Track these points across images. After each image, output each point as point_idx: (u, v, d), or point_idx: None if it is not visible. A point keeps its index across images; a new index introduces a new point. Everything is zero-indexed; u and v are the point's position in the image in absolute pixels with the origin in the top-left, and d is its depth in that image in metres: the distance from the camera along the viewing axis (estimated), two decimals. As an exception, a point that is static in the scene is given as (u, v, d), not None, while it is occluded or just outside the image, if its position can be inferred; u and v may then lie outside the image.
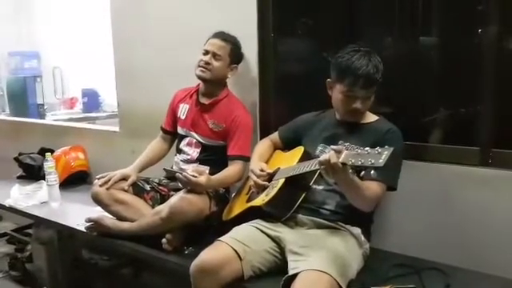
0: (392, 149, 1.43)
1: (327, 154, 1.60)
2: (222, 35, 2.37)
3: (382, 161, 1.40)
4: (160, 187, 2.48)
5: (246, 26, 2.50)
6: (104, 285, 2.78)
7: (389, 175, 1.82)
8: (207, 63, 2.33)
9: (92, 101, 5.09)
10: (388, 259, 1.98)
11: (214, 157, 2.40)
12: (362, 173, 1.49)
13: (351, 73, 1.86)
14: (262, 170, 2.08)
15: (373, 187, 1.81)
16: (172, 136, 2.61)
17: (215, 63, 2.33)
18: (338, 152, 1.56)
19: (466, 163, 2.03)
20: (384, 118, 2.02)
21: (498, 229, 1.93)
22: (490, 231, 1.95)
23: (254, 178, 2.08)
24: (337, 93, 1.94)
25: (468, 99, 2.16)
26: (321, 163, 1.61)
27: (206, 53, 2.35)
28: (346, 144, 1.55)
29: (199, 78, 2.37)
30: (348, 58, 1.88)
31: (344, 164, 1.53)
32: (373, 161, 1.42)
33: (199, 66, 2.34)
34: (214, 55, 2.33)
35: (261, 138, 2.44)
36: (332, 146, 1.61)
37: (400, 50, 2.39)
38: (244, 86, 2.57)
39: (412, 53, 2.37)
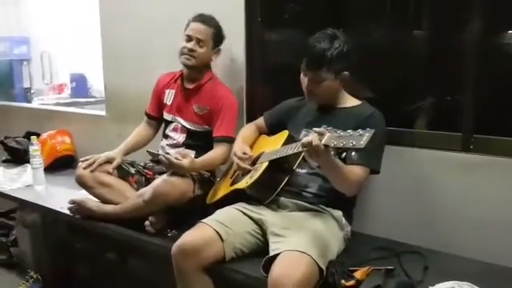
0: (373, 131, 1.43)
1: (310, 136, 1.61)
2: (202, 18, 2.33)
3: (363, 142, 1.40)
4: (145, 170, 2.48)
5: (233, 9, 2.49)
6: (88, 268, 2.78)
7: (371, 159, 1.83)
8: (192, 50, 2.30)
9: (80, 86, 5.06)
10: (368, 242, 2.01)
11: (199, 142, 2.39)
12: (344, 154, 1.49)
13: (304, 52, 1.90)
14: (244, 153, 2.09)
15: (355, 171, 1.82)
16: (157, 121, 2.60)
17: (200, 50, 2.31)
18: (321, 134, 1.57)
19: (448, 149, 2.04)
20: (367, 102, 2.02)
21: (477, 213, 1.95)
22: (469, 216, 1.97)
23: (236, 160, 2.08)
24: None
25: (451, 87, 2.18)
26: (303, 145, 1.61)
27: (189, 39, 2.31)
28: (329, 128, 1.55)
29: (185, 65, 2.36)
30: (311, 38, 1.90)
31: (326, 146, 1.53)
32: (354, 142, 1.42)
33: (183, 54, 2.32)
34: (198, 41, 2.31)
35: (247, 123, 2.44)
36: (314, 129, 1.62)
37: (387, 38, 2.39)
38: (231, 70, 2.57)
39: (398, 41, 2.37)
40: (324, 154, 1.59)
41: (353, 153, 1.45)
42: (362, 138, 1.42)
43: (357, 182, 1.84)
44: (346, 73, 1.91)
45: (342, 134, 1.49)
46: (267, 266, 1.66)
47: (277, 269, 1.60)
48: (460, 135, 2.04)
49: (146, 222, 2.16)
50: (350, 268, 1.69)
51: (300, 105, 2.15)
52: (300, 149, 1.71)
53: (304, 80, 1.95)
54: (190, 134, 2.42)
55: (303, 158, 1.83)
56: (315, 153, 1.59)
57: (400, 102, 2.30)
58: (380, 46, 2.35)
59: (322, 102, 2.00)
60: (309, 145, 1.59)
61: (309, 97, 1.98)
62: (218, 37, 2.36)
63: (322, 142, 1.52)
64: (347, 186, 1.84)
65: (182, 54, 2.32)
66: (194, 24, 2.33)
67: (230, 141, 2.28)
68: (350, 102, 2.02)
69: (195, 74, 2.40)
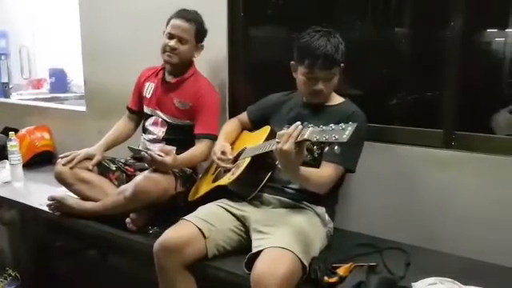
0: (356, 125, 1.42)
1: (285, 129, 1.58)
2: (184, 15, 2.28)
3: (345, 136, 1.40)
4: (126, 167, 2.45)
5: (215, 4, 2.47)
6: (68, 265, 2.74)
7: (347, 158, 1.83)
8: (173, 48, 2.27)
9: (59, 81, 4.96)
10: (351, 239, 2.02)
11: (180, 136, 2.37)
12: (327, 149, 1.48)
13: (310, 54, 1.85)
14: (223, 153, 2.07)
15: (327, 170, 1.83)
16: (138, 116, 2.57)
17: (182, 47, 2.28)
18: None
19: (430, 145, 2.06)
20: (350, 100, 2.02)
21: (458, 210, 1.97)
22: (451, 212, 1.99)
23: (215, 160, 2.07)
24: (299, 75, 1.94)
25: (433, 84, 2.19)
26: (279, 136, 1.57)
27: (171, 37, 2.27)
28: (310, 125, 1.53)
29: (167, 63, 2.33)
30: (307, 39, 1.88)
31: (308, 140, 1.51)
32: (337, 136, 1.41)
33: (165, 51, 2.29)
34: (180, 39, 2.27)
35: (230, 118, 2.42)
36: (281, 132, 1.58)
37: (369, 34, 2.40)
38: (214, 65, 2.55)
39: (381, 38, 2.38)
40: (295, 156, 1.55)
41: (335, 147, 1.44)
42: (344, 132, 1.42)
43: (325, 183, 1.84)
44: (342, 65, 1.91)
45: (324, 128, 1.48)
46: (250, 263, 1.65)
47: (260, 266, 1.59)
48: (442, 132, 2.06)
49: (127, 219, 2.13)
50: (333, 264, 1.69)
51: (284, 100, 2.14)
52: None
53: (308, 82, 1.91)
54: (170, 127, 2.39)
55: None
56: (285, 153, 1.55)
57: (382, 99, 2.32)
58: (363, 43, 2.36)
59: (324, 100, 1.98)
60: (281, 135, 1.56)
61: (317, 96, 1.95)
62: (200, 33, 2.32)
63: (305, 136, 1.51)
64: (315, 188, 1.84)
65: (164, 51, 2.30)
66: (175, 21, 2.28)
67: (212, 138, 2.26)
68: (335, 99, 2.02)
69: (177, 69, 2.37)
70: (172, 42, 2.27)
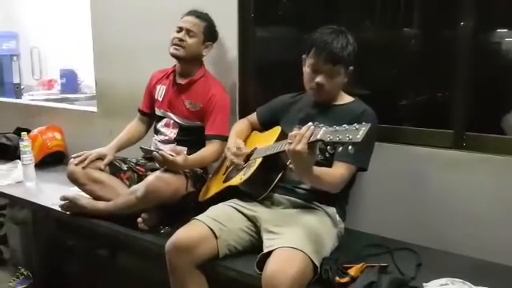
0: (369, 125, 1.43)
1: (296, 130, 1.60)
2: (195, 13, 2.34)
3: (359, 136, 1.40)
4: (137, 167, 2.46)
5: (226, 5, 2.48)
6: (79, 265, 2.76)
7: (359, 157, 1.83)
8: (181, 40, 2.30)
9: (70, 82, 5.01)
10: (362, 239, 2.01)
11: (191, 137, 2.38)
12: (340, 149, 1.48)
13: (317, 45, 1.89)
14: (238, 148, 2.08)
15: (339, 170, 1.83)
16: (150, 118, 2.59)
17: (189, 40, 2.31)
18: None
19: (441, 146, 2.06)
20: (360, 99, 2.02)
21: (468, 211, 1.97)
22: (461, 213, 1.98)
23: (230, 156, 2.08)
24: (305, 67, 1.96)
25: (444, 84, 2.19)
26: (290, 137, 1.59)
27: (180, 30, 2.32)
28: (321, 125, 1.54)
29: (173, 56, 2.34)
30: (320, 33, 1.91)
31: (321, 141, 1.52)
32: (351, 136, 1.42)
33: (173, 44, 2.32)
34: (188, 32, 2.30)
35: (240, 119, 2.43)
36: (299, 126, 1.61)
37: (380, 35, 2.40)
38: (224, 66, 2.56)
39: (391, 38, 2.38)
40: (308, 156, 1.56)
41: (349, 147, 1.44)
42: (358, 131, 1.42)
43: (338, 182, 1.84)
44: (351, 68, 1.93)
45: (337, 128, 1.48)
46: (261, 263, 1.66)
47: (271, 265, 1.60)
48: (452, 132, 2.05)
49: (139, 219, 2.15)
50: (344, 265, 1.69)
51: (294, 101, 2.15)
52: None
53: (311, 74, 1.93)
54: (181, 129, 2.41)
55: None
56: (298, 153, 1.56)
57: (393, 99, 2.31)
58: (373, 43, 2.35)
59: (326, 98, 1.99)
60: (293, 137, 1.57)
61: (317, 92, 1.95)
62: (209, 31, 2.35)
63: (318, 136, 1.51)
64: (327, 187, 1.84)
65: (171, 44, 2.33)
66: (186, 17, 2.34)
67: (223, 138, 2.27)
68: (344, 99, 2.02)
69: (186, 68, 2.38)
70: (180, 35, 2.30)
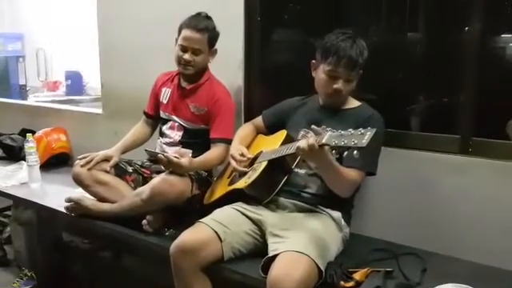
0: (375, 130, 1.43)
1: (306, 139, 1.62)
2: (195, 24, 2.25)
3: (365, 141, 1.40)
4: (142, 169, 2.46)
5: (232, 8, 2.48)
6: (84, 266, 2.76)
7: (367, 161, 1.83)
8: (188, 61, 2.27)
9: (75, 83, 5.03)
10: (367, 244, 2.01)
11: (196, 140, 2.38)
12: (345, 153, 1.48)
13: (335, 52, 1.87)
14: (242, 155, 2.08)
15: (351, 173, 1.83)
16: (155, 120, 2.59)
17: (197, 59, 2.28)
18: (318, 134, 1.57)
19: (447, 151, 2.05)
20: (367, 104, 2.02)
21: (475, 216, 1.96)
22: (467, 218, 1.97)
23: (234, 163, 2.08)
24: (320, 73, 1.95)
25: (450, 89, 2.18)
26: (298, 149, 1.63)
27: (184, 49, 2.27)
28: (328, 129, 1.55)
29: (183, 75, 2.35)
30: (334, 38, 1.90)
31: (323, 145, 1.53)
32: (356, 141, 1.42)
33: (180, 64, 2.30)
34: (194, 51, 2.27)
35: (245, 123, 2.43)
36: (313, 126, 1.62)
37: (386, 39, 2.40)
38: (229, 70, 2.55)
39: (398, 43, 2.38)
40: (320, 154, 1.59)
41: (354, 151, 1.44)
42: (363, 136, 1.43)
43: (351, 184, 1.86)
44: (360, 71, 1.94)
45: (343, 132, 1.49)
46: (266, 267, 1.66)
47: (276, 269, 1.60)
48: (459, 138, 2.05)
49: (144, 221, 2.15)
50: (349, 269, 1.69)
51: (300, 104, 2.15)
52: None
53: (329, 80, 1.92)
54: (186, 131, 2.41)
55: (302, 158, 1.84)
56: (311, 154, 1.60)
57: (399, 104, 2.31)
58: (379, 47, 2.34)
59: (339, 102, 1.99)
60: (303, 150, 1.60)
61: (334, 97, 1.96)
62: (212, 39, 2.31)
63: (323, 140, 1.52)
64: (342, 188, 1.86)
65: (179, 63, 2.31)
66: (186, 32, 2.26)
67: (228, 142, 2.27)
68: (351, 103, 2.02)
69: (192, 75, 2.38)
70: (186, 56, 2.26)
